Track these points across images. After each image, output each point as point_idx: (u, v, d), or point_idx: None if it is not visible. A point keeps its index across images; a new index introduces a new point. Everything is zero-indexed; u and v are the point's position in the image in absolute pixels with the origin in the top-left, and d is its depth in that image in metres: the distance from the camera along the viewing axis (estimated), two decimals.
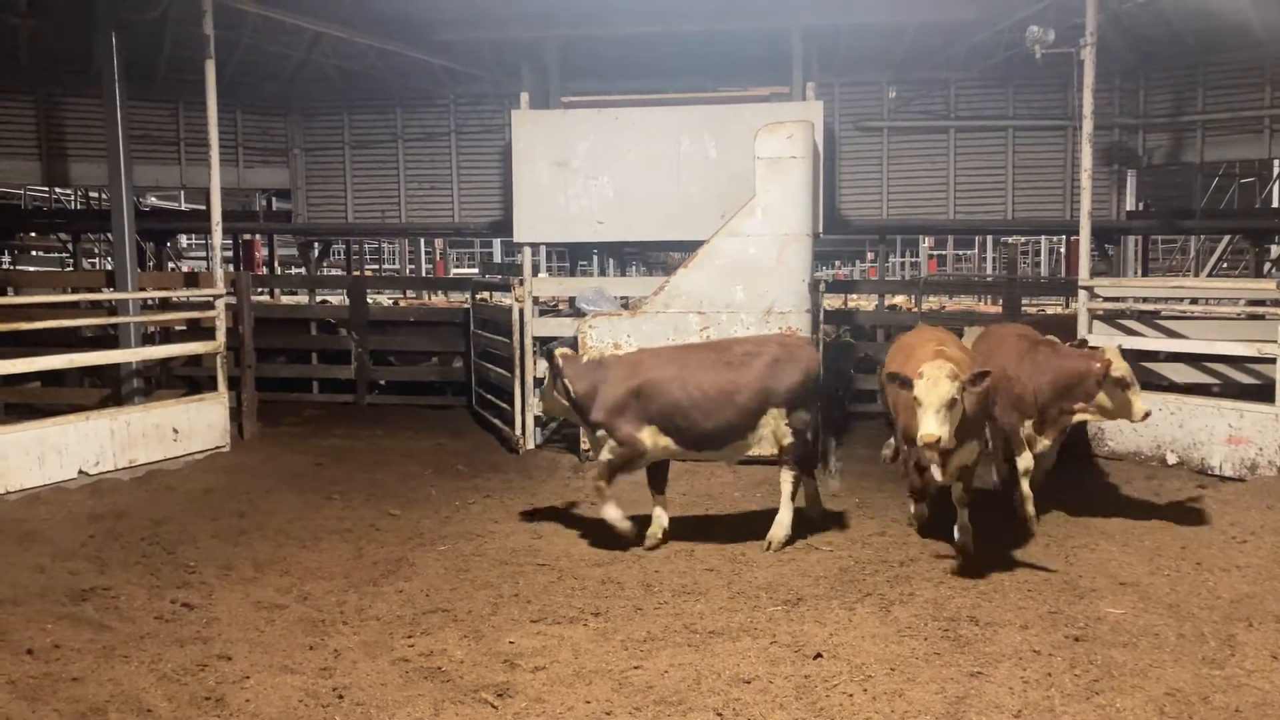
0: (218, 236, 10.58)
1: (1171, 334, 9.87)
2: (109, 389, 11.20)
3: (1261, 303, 11.06)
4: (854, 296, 20.17)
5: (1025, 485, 7.29)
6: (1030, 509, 7.24)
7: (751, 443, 7.06)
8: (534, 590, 6.07)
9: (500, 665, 4.93)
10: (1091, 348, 7.38)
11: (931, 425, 5.78)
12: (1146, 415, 6.90)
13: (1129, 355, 7.31)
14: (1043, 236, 24.67)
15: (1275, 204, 18.67)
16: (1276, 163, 17.67)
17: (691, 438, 6.92)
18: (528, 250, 10.73)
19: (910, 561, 6.51)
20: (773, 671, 4.79)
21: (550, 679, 4.76)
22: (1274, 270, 17.37)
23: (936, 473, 6.17)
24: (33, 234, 20.84)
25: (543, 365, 7.52)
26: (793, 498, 7.05)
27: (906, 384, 5.99)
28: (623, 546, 6.85)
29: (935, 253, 29.98)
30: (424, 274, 28.36)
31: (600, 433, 6.95)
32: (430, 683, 4.74)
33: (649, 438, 6.87)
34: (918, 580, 6.11)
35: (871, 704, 4.44)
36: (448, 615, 5.64)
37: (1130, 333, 9.76)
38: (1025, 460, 7.34)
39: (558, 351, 7.08)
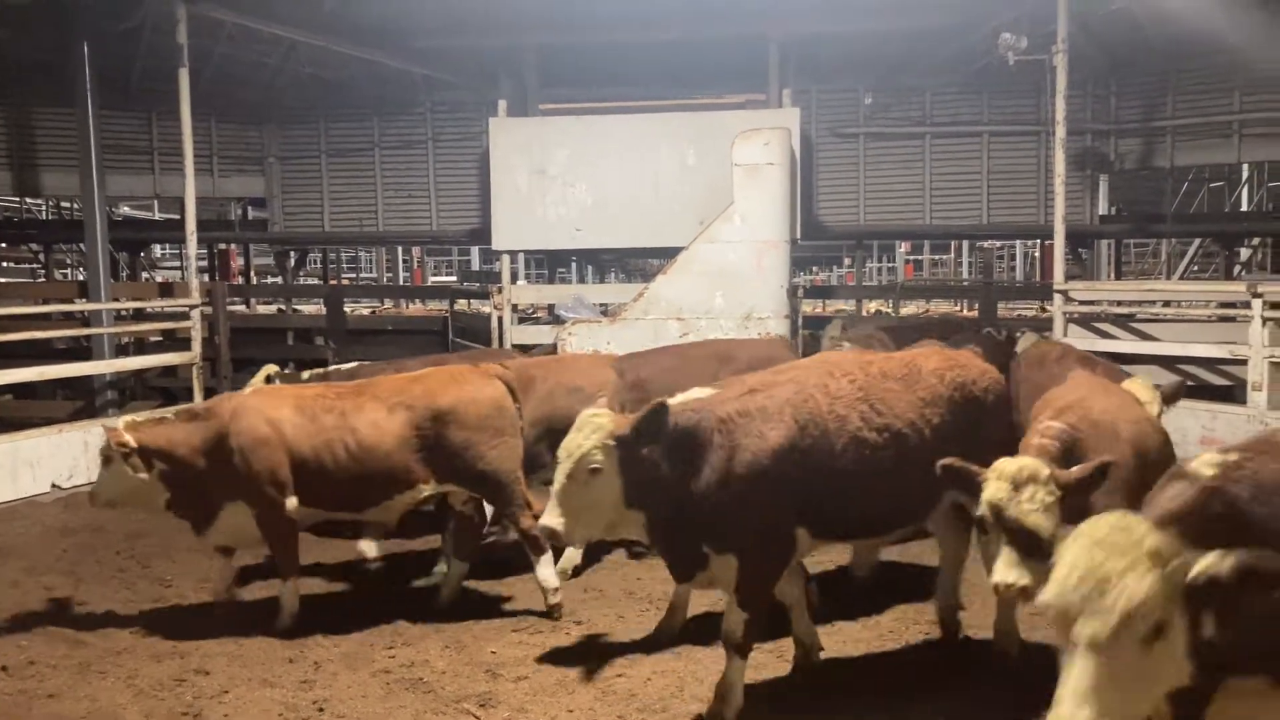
0: (192, 246, 10.51)
1: (1145, 336, 9.97)
2: (82, 401, 11.08)
3: (1233, 305, 11.20)
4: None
5: None
6: None
7: None
8: (516, 599, 6.04)
9: (483, 675, 4.91)
10: None
11: None
12: None
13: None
14: (1018, 241, 24.84)
15: (1245, 208, 18.92)
16: (1245, 167, 17.92)
17: None
18: (506, 258, 10.72)
19: (890, 569, 6.52)
20: (756, 677, 4.78)
21: (533, 688, 4.74)
22: (1244, 273, 17.58)
23: None
24: (3, 245, 20.56)
25: None
26: None
27: None
28: (604, 555, 6.84)
29: (911, 257, 30.11)
30: (401, 282, 28.20)
31: None
32: (412, 694, 4.71)
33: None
34: (901, 587, 6.12)
35: (856, 709, 4.45)
36: (429, 625, 5.60)
37: (1105, 335, 9.86)
38: None
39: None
